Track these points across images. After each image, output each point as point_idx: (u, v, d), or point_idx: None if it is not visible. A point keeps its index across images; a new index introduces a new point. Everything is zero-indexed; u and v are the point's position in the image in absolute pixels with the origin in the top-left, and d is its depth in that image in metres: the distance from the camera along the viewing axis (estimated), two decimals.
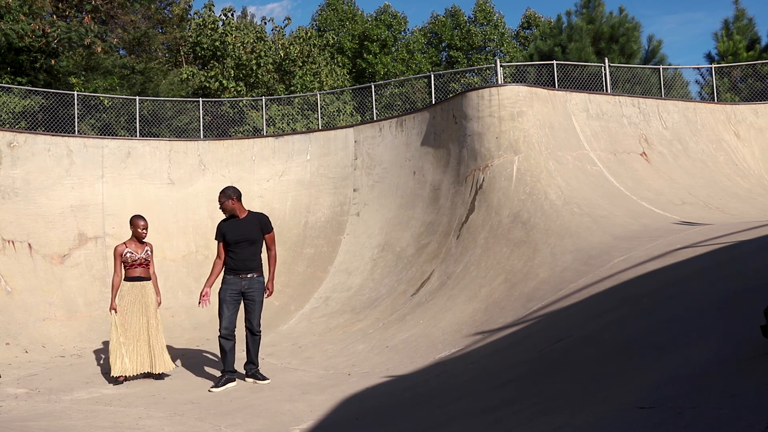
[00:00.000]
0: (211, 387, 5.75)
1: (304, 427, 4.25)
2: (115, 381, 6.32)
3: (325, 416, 4.46)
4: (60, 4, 19.40)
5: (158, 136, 14.07)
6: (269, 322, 9.35)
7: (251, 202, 11.94)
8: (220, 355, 5.98)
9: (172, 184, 11.72)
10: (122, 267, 6.55)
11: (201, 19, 24.36)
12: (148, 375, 6.47)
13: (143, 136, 13.26)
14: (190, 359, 7.56)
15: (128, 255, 6.50)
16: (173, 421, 4.67)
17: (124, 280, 6.52)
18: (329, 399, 4.96)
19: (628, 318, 4.25)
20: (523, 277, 6.97)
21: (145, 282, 6.61)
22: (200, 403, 5.24)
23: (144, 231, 6.63)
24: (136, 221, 6.64)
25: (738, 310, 3.37)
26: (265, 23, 27.54)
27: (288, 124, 19.00)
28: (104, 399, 5.65)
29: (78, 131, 13.00)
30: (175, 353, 7.87)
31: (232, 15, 25.40)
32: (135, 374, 6.34)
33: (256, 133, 16.83)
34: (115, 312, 6.40)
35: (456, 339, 6.31)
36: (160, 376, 6.46)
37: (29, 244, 9.77)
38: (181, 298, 10.18)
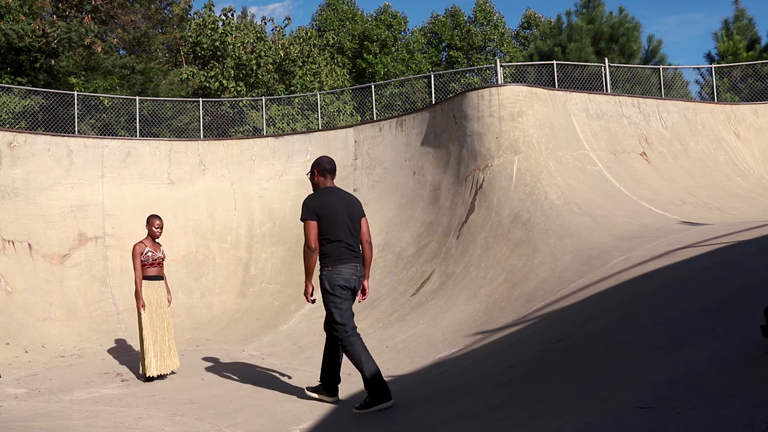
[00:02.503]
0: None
1: (304, 427, 4.25)
2: (148, 379, 6.36)
3: (325, 416, 4.46)
4: (60, 4, 19.41)
5: (158, 136, 14.08)
6: (269, 322, 9.36)
7: (251, 203, 11.95)
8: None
9: (172, 184, 11.72)
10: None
11: (201, 19, 24.37)
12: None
13: (143, 136, 13.27)
14: (190, 359, 7.56)
15: (149, 254, 6.56)
16: (173, 421, 4.67)
17: (143, 278, 6.57)
18: None
19: (628, 318, 4.24)
20: (523, 277, 6.97)
21: (160, 281, 6.68)
22: (200, 403, 5.24)
23: (159, 230, 6.70)
24: (152, 220, 6.70)
25: (738, 310, 3.37)
26: (265, 23, 27.56)
27: (288, 124, 19.01)
28: (104, 399, 5.65)
29: (78, 131, 13.00)
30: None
31: (232, 15, 25.41)
32: (163, 374, 6.41)
33: (256, 133, 16.83)
34: (144, 309, 6.42)
35: (456, 339, 6.31)
36: (163, 376, 6.49)
37: (29, 244, 9.77)
38: (181, 298, 10.19)
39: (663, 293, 4.55)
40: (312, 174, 4.83)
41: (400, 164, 11.11)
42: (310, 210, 4.57)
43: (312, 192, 4.80)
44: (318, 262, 4.62)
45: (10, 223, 9.80)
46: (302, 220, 4.60)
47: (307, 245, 4.56)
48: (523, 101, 9.58)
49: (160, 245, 6.80)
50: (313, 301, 4.70)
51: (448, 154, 10.18)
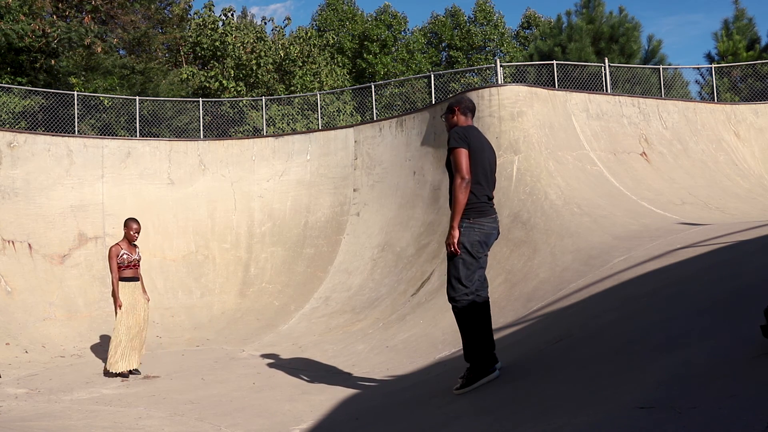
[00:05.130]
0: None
1: (304, 427, 4.25)
2: (120, 376, 6.51)
3: (325, 416, 4.46)
4: (60, 4, 19.41)
5: (158, 136, 14.08)
6: (269, 322, 9.37)
7: (251, 203, 11.95)
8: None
9: (172, 184, 11.72)
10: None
11: (201, 19, 24.38)
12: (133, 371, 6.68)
13: (143, 136, 13.27)
14: (190, 359, 7.56)
15: (125, 256, 6.73)
16: (173, 421, 4.67)
17: (119, 280, 6.72)
18: (329, 399, 4.96)
19: (628, 318, 4.24)
20: (523, 277, 6.97)
21: (136, 282, 6.84)
22: (200, 403, 5.24)
23: (136, 234, 6.89)
24: (129, 224, 6.89)
25: (738, 310, 3.37)
26: (265, 23, 27.58)
27: (288, 124, 19.01)
28: (104, 399, 5.65)
29: (78, 131, 13.00)
30: (175, 353, 7.88)
31: (232, 15, 25.41)
32: (129, 370, 6.59)
33: (256, 133, 16.83)
34: (121, 309, 6.57)
35: (456, 339, 6.29)
36: (133, 372, 6.64)
37: (29, 244, 9.78)
38: (181, 298, 10.19)
39: (663, 293, 4.54)
40: (451, 113, 4.21)
41: (400, 164, 11.11)
42: (461, 137, 3.93)
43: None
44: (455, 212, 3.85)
45: (10, 223, 9.80)
46: (451, 147, 3.92)
47: (460, 176, 3.85)
48: (523, 101, 9.58)
49: (137, 247, 6.96)
50: (458, 253, 3.89)
51: None
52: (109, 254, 6.71)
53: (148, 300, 6.98)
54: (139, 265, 6.90)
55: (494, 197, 4.14)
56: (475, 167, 3.92)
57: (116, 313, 6.62)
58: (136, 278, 6.81)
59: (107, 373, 6.56)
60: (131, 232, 6.82)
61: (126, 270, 6.70)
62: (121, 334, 6.52)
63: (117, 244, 6.83)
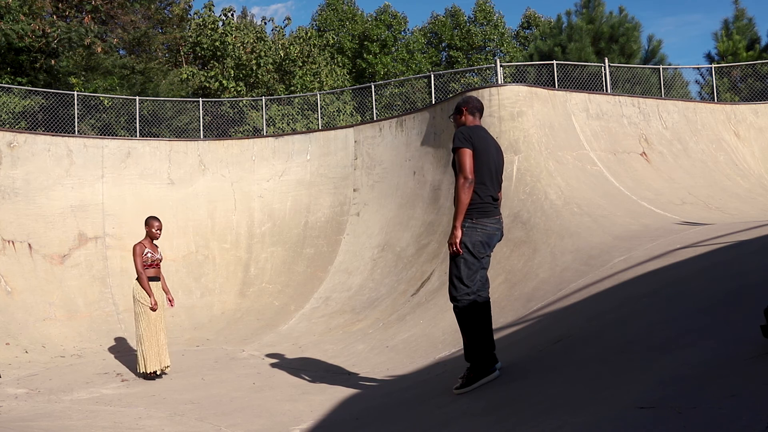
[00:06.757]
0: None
1: (304, 427, 4.25)
2: (150, 376, 6.46)
3: (325, 416, 4.46)
4: (60, 4, 19.41)
5: (158, 136, 14.08)
6: (269, 322, 9.36)
7: (251, 203, 11.95)
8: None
9: (172, 184, 11.72)
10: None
11: (201, 19, 24.37)
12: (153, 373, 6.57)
13: (143, 136, 13.27)
14: (190, 359, 7.56)
15: (148, 255, 6.64)
16: (173, 421, 4.67)
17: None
18: (329, 399, 4.96)
19: (628, 318, 4.24)
20: (523, 277, 6.96)
21: (157, 282, 6.76)
22: (200, 403, 5.24)
23: (158, 231, 6.79)
24: (151, 222, 6.79)
25: (738, 310, 3.37)
26: (265, 23, 27.57)
27: (288, 124, 19.01)
28: (104, 399, 5.65)
29: (78, 131, 13.00)
30: (175, 353, 7.88)
31: (232, 15, 25.41)
32: (162, 368, 6.54)
33: (256, 133, 16.83)
34: (155, 309, 6.51)
35: (456, 339, 6.30)
36: (160, 374, 6.54)
37: (29, 244, 9.77)
38: (181, 298, 10.18)
39: (663, 293, 4.54)
40: (458, 113, 4.22)
41: (400, 164, 11.11)
42: (466, 137, 3.94)
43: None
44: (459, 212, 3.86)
45: (10, 223, 9.80)
46: (456, 148, 3.94)
47: (464, 176, 3.86)
48: (523, 101, 9.58)
49: (158, 247, 6.88)
50: (460, 253, 3.90)
51: (448, 154, 10.17)
52: (134, 253, 6.60)
53: (171, 300, 6.92)
54: (160, 265, 6.83)
55: (501, 198, 4.15)
56: (480, 168, 3.92)
57: (139, 313, 6.51)
58: (157, 278, 6.73)
59: (146, 376, 6.45)
60: (153, 230, 6.72)
61: (149, 269, 6.61)
62: (150, 335, 6.45)
63: (140, 242, 6.70)
